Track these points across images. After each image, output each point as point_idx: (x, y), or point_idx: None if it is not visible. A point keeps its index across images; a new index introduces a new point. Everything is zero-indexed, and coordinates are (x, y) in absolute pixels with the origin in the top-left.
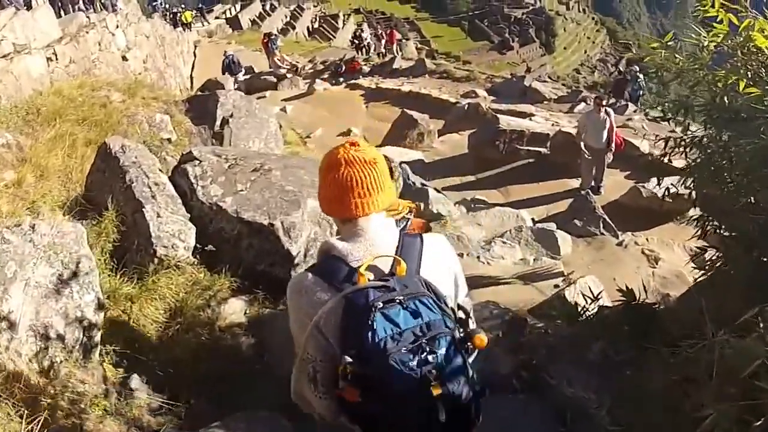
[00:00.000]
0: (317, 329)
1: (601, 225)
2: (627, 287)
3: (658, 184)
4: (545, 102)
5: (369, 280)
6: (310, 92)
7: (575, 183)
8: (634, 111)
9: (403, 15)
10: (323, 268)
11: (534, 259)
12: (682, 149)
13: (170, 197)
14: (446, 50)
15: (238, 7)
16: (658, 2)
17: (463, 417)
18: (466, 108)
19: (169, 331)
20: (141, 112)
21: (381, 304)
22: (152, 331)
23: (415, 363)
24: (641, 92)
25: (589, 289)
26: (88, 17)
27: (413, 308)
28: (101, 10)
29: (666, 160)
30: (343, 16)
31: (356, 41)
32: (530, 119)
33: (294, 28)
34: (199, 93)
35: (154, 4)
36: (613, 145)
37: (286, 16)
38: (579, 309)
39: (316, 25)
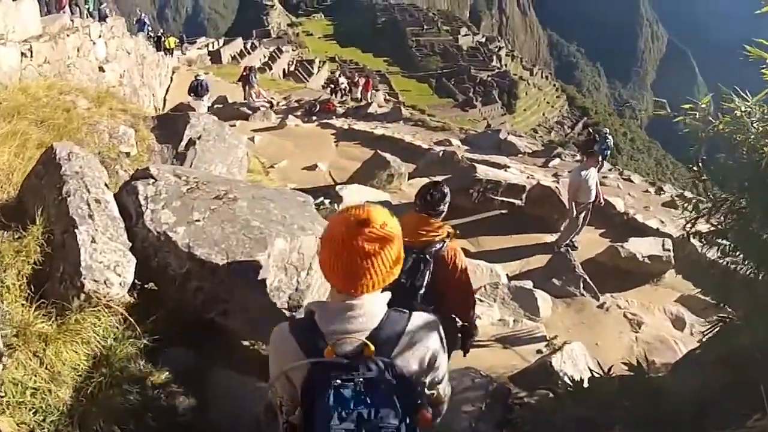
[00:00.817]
0: (286, 377)
1: (582, 285)
2: (637, 362)
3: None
4: (520, 155)
5: (336, 355)
6: (281, 126)
7: (550, 238)
8: (609, 170)
9: (375, 67)
10: (300, 330)
11: (514, 321)
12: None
13: (111, 219)
14: (413, 103)
15: (221, 42)
16: (617, 74)
17: None
18: (440, 154)
19: (90, 384)
20: (105, 122)
21: (338, 382)
22: (69, 382)
23: None
24: (608, 151)
25: (580, 356)
26: (72, 20)
27: (366, 394)
28: (87, 17)
29: (687, 226)
30: (319, 62)
31: (332, 85)
32: (505, 170)
33: (271, 68)
34: (170, 112)
35: (143, 24)
36: (601, 199)
37: (264, 56)
38: (583, 385)
39: (292, 68)
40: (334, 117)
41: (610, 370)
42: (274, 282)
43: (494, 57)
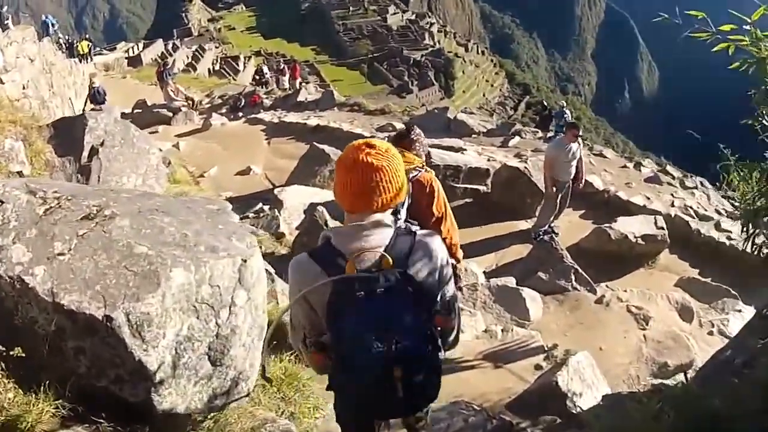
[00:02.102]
0: (306, 302)
1: (574, 277)
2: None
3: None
4: (474, 136)
5: (357, 270)
6: (206, 127)
7: (525, 225)
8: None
9: (303, 58)
10: (319, 253)
11: (502, 330)
12: None
13: None
14: (346, 94)
15: (141, 45)
16: (556, 45)
17: (422, 395)
18: (385, 141)
19: None
20: None
21: (362, 294)
22: None
23: (380, 348)
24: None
25: (587, 369)
26: None
27: (389, 301)
28: None
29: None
30: (244, 58)
31: (257, 76)
32: (462, 154)
33: (196, 69)
34: (66, 117)
35: (47, 27)
36: (583, 180)
37: (188, 57)
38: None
39: (217, 67)
40: (261, 110)
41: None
42: (181, 331)
43: (426, 34)
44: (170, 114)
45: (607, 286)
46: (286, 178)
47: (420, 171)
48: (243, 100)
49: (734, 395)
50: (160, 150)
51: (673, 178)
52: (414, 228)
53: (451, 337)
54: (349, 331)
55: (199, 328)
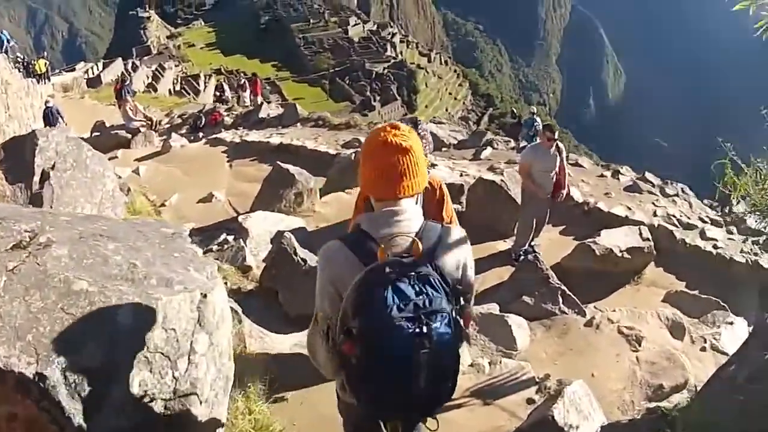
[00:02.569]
0: (337, 292)
1: (561, 300)
2: None
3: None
4: (444, 149)
5: (388, 255)
6: (166, 150)
7: (504, 245)
8: None
9: (264, 74)
10: (351, 240)
11: (489, 363)
12: None
13: None
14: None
15: (100, 65)
16: (520, 51)
17: (443, 386)
18: (353, 157)
19: None
20: None
21: (395, 277)
22: None
23: (411, 331)
24: (537, 137)
25: (584, 398)
26: None
27: (420, 285)
28: None
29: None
30: (204, 76)
31: (218, 93)
32: (432, 169)
33: (156, 89)
34: (16, 136)
35: (1, 42)
36: (565, 190)
37: (148, 77)
38: None
39: (178, 87)
40: (222, 129)
41: None
42: (131, 388)
43: (388, 45)
44: (129, 136)
45: (595, 307)
46: (251, 204)
47: (428, 171)
48: (203, 119)
49: (743, 414)
50: (119, 177)
51: (653, 185)
52: None
53: (469, 333)
54: (380, 313)
55: (153, 383)
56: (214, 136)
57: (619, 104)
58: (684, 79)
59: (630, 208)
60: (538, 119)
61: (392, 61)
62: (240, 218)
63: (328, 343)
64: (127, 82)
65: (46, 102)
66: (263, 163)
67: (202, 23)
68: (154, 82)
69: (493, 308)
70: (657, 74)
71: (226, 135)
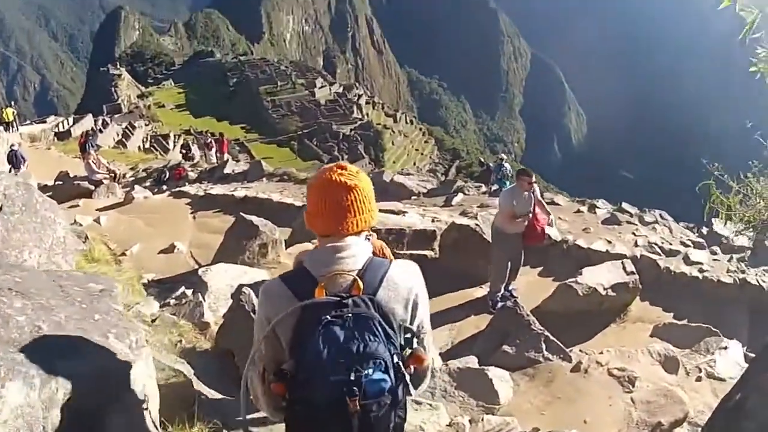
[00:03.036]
0: (273, 331)
1: (544, 346)
2: None
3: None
4: (414, 197)
5: (326, 294)
6: (128, 201)
7: (480, 291)
8: None
9: (233, 135)
10: (291, 277)
11: (470, 421)
12: None
13: None
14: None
15: (71, 120)
16: (483, 105)
17: None
18: None
19: None
20: None
21: (328, 318)
22: None
23: (339, 378)
24: (507, 181)
25: None
26: None
27: (355, 328)
28: None
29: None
30: (174, 136)
31: (183, 151)
32: (403, 216)
33: (126, 146)
34: None
35: None
36: (541, 228)
37: (117, 134)
38: None
39: (147, 145)
40: (186, 184)
41: None
42: None
43: (354, 107)
44: (92, 187)
45: (581, 350)
46: (213, 256)
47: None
48: (167, 173)
49: None
50: (79, 225)
51: (631, 215)
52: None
53: (425, 381)
54: (310, 357)
55: None
56: (177, 189)
57: (582, 146)
58: (636, 109)
59: (610, 242)
60: (507, 164)
61: (359, 122)
62: (200, 271)
63: (264, 384)
64: (92, 135)
65: (12, 145)
66: (227, 215)
67: (172, 83)
68: (124, 139)
69: (472, 361)
70: (616, 109)
71: (191, 188)
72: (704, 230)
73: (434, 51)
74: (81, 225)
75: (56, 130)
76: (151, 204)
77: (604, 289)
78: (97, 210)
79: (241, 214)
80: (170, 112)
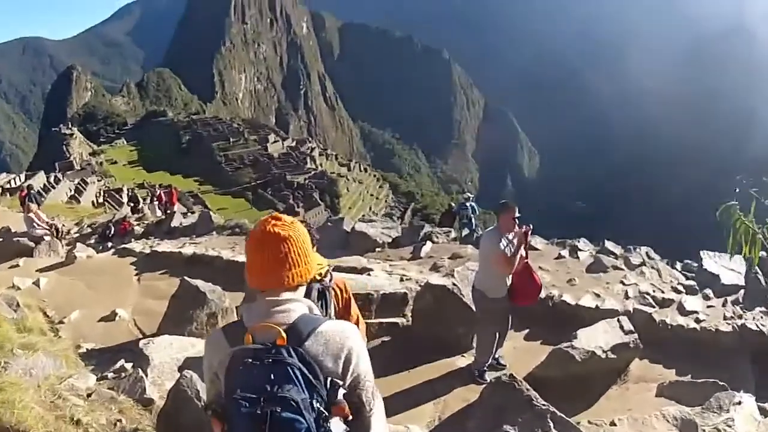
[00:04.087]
0: (215, 375)
1: (551, 424)
2: None
3: None
4: (378, 250)
5: (254, 342)
6: (70, 260)
7: (463, 360)
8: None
9: (187, 188)
10: (229, 327)
11: None
12: None
13: None
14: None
15: (22, 177)
16: (436, 151)
17: None
18: None
19: None
20: None
21: (249, 361)
22: None
23: (248, 410)
24: (474, 221)
25: None
26: None
27: (272, 371)
28: None
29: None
30: (128, 189)
31: (131, 204)
32: (369, 276)
33: (79, 201)
34: None
35: None
36: (538, 284)
37: (70, 189)
38: None
39: (101, 200)
40: (133, 240)
41: None
42: None
43: (308, 159)
44: (32, 244)
45: (590, 421)
46: (158, 325)
47: (330, 276)
48: (112, 228)
49: None
50: (17, 287)
51: (616, 257)
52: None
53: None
54: (229, 392)
55: None
56: (123, 246)
57: (535, 180)
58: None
59: (599, 295)
60: (472, 203)
61: (313, 172)
62: (141, 343)
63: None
64: (33, 190)
65: None
66: (174, 277)
67: (125, 142)
68: (77, 194)
69: None
70: (566, 139)
71: (136, 245)
72: (694, 264)
73: (387, 104)
74: (19, 288)
75: (7, 186)
76: (94, 264)
77: (604, 351)
78: (37, 271)
79: (186, 279)
80: (123, 168)
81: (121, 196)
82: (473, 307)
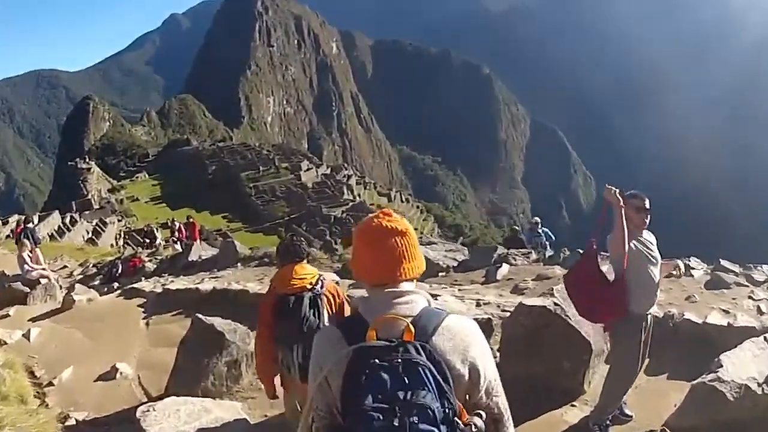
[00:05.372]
0: (325, 379)
1: None
2: None
3: None
4: (441, 274)
5: (377, 338)
6: (68, 306)
7: (573, 413)
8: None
9: (215, 226)
10: (345, 323)
11: None
12: None
13: None
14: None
15: (35, 219)
16: (482, 177)
17: None
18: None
19: None
20: None
21: (376, 362)
22: None
23: (385, 423)
24: (548, 244)
25: None
26: None
27: (405, 374)
28: None
29: None
30: (145, 227)
31: (147, 239)
32: (437, 302)
33: (96, 243)
34: None
35: None
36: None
37: (88, 231)
38: None
39: (121, 241)
40: (143, 278)
41: None
42: None
43: (345, 188)
44: (27, 289)
45: None
46: (167, 382)
47: (323, 282)
48: (120, 267)
49: None
50: (4, 343)
51: (736, 274)
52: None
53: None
54: (352, 402)
55: None
56: (131, 285)
57: (592, 210)
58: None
59: (727, 311)
60: (546, 229)
61: (350, 204)
62: (139, 411)
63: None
64: (30, 226)
65: None
66: (189, 318)
67: (146, 176)
68: (94, 237)
69: None
70: (623, 167)
71: (146, 284)
72: None
73: (425, 125)
74: (5, 343)
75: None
76: (95, 308)
77: (759, 385)
78: (29, 320)
79: (199, 316)
80: (145, 205)
81: (142, 237)
82: (582, 333)
